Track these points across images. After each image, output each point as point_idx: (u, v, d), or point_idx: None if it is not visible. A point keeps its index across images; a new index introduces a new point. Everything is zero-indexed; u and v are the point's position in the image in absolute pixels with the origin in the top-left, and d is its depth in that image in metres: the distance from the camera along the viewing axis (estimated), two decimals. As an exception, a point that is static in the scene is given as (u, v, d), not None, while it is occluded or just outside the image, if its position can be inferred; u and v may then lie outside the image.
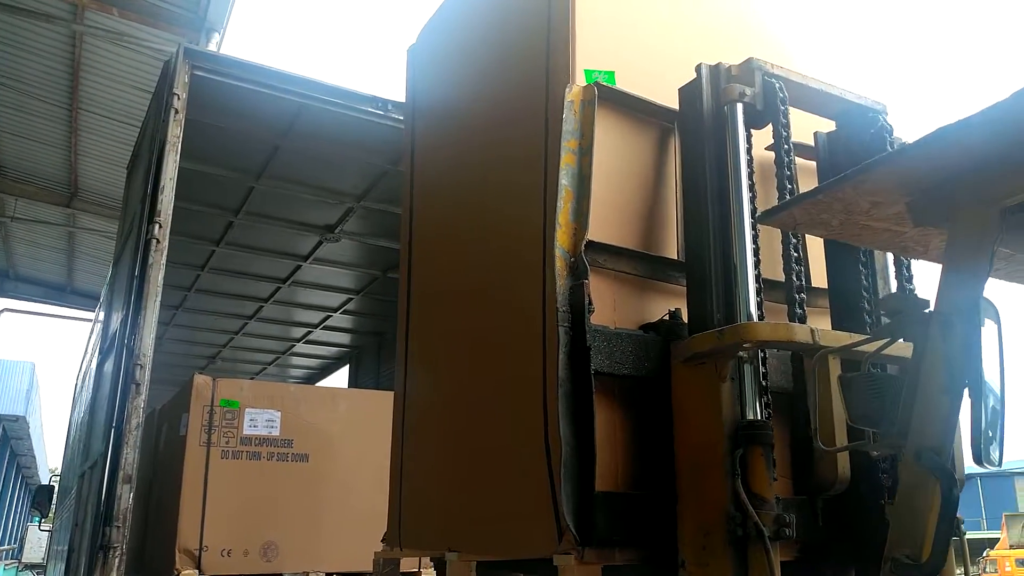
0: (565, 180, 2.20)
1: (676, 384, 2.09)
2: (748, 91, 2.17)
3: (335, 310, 9.02)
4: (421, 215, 3.33)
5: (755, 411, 1.99)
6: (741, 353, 1.99)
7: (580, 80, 2.30)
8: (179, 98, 4.18)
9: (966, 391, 1.55)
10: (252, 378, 11.10)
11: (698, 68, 2.24)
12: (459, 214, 2.99)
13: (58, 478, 14.44)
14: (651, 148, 2.43)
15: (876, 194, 1.69)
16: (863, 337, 1.89)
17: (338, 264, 7.85)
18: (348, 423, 5.11)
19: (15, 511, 41.84)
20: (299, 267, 7.85)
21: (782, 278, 2.23)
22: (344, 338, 10.09)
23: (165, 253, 4.00)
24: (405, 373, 3.20)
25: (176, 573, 4.33)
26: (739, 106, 2.16)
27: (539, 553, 2.08)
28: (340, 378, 11.10)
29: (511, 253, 2.46)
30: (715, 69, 2.23)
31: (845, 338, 1.99)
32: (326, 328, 9.58)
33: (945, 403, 1.57)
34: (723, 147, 2.16)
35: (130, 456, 3.65)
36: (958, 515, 1.99)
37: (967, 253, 1.60)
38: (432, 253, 3.20)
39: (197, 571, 4.38)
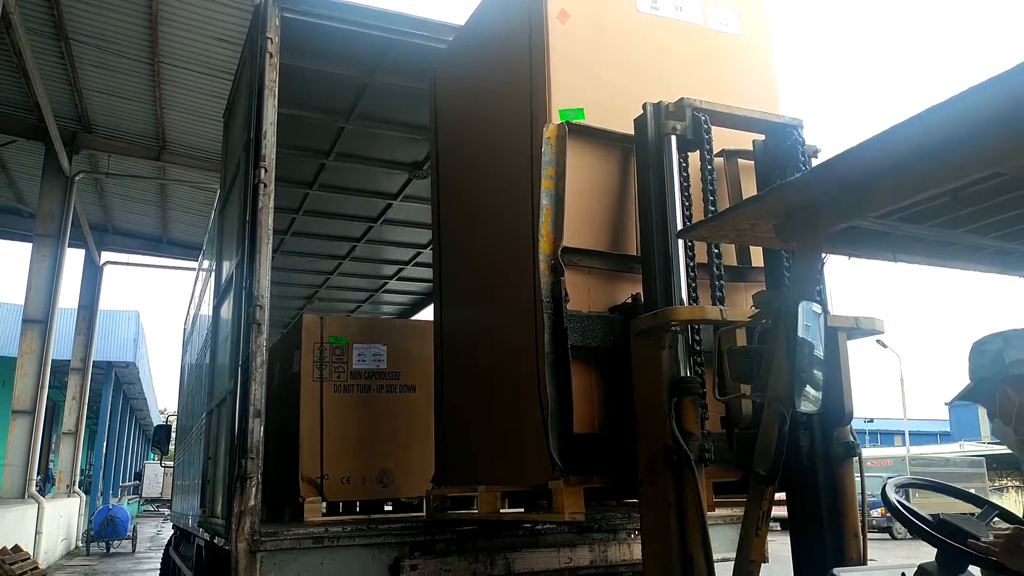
0: (545, 200, 3.38)
1: (632, 352, 3.27)
2: (679, 126, 3.25)
3: (425, 247, 10.18)
4: (446, 217, 4.77)
5: (687, 370, 3.15)
6: (674, 327, 3.14)
7: (555, 118, 3.44)
8: (272, 42, 4.74)
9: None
10: (348, 315, 12.73)
11: (644, 106, 3.32)
12: (474, 221, 4.31)
13: (169, 418, 16.91)
14: (615, 167, 3.57)
15: (752, 219, 2.76)
16: (750, 317, 3.01)
17: (427, 200, 8.64)
18: (450, 355, 6.01)
19: (134, 451, 47.75)
20: (389, 205, 8.99)
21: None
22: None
23: (272, 197, 4.58)
24: (441, 324, 4.74)
25: (301, 500, 5.17)
26: (673, 137, 3.25)
27: (539, 481, 3.38)
28: (430, 313, 12.48)
29: (513, 251, 3.70)
30: (657, 106, 3.31)
31: (748, 314, 3.11)
32: (417, 264, 10.86)
33: (785, 367, 2.68)
34: (662, 168, 3.26)
35: (258, 392, 4.23)
36: (854, 440, 3.16)
37: (805, 263, 2.68)
38: (456, 245, 4.58)
39: (320, 497, 5.23)
